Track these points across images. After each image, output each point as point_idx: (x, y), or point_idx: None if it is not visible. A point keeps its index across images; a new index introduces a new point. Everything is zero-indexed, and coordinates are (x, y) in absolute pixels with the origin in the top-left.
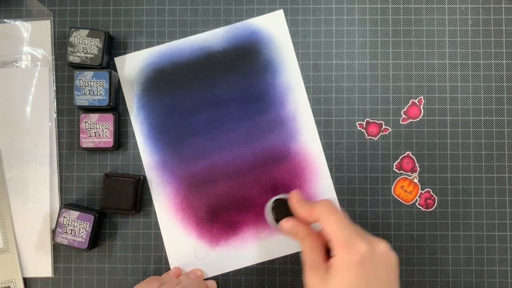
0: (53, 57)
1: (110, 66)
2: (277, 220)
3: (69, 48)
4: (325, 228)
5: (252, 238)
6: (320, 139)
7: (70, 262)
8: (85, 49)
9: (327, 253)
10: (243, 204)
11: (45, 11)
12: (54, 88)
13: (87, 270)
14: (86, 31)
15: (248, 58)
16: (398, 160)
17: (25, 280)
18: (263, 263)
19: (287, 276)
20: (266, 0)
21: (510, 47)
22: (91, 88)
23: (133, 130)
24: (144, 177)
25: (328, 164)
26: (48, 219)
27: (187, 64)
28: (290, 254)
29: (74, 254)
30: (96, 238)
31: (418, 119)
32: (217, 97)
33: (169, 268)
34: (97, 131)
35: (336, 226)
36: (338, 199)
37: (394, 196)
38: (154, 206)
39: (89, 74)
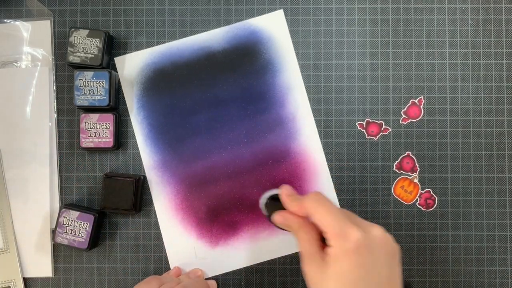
0: (53, 57)
1: (110, 66)
2: (270, 215)
3: (69, 48)
4: (317, 220)
5: (252, 238)
6: (320, 139)
7: (70, 262)
8: (85, 49)
9: (323, 241)
10: (243, 204)
11: (45, 11)
12: (54, 88)
13: (87, 270)
14: (86, 31)
15: (248, 58)
16: (398, 160)
17: (25, 280)
18: (263, 263)
19: (287, 276)
20: (266, 0)
21: (510, 47)
22: (91, 88)
23: (133, 130)
24: (144, 177)
25: (328, 164)
26: (48, 219)
27: (187, 64)
28: (290, 254)
29: (74, 254)
30: (96, 238)
31: (418, 119)
32: (217, 97)
33: (169, 268)
34: (97, 131)
35: (328, 217)
36: (338, 199)
37: (394, 196)
38: (154, 206)
39: (89, 74)
